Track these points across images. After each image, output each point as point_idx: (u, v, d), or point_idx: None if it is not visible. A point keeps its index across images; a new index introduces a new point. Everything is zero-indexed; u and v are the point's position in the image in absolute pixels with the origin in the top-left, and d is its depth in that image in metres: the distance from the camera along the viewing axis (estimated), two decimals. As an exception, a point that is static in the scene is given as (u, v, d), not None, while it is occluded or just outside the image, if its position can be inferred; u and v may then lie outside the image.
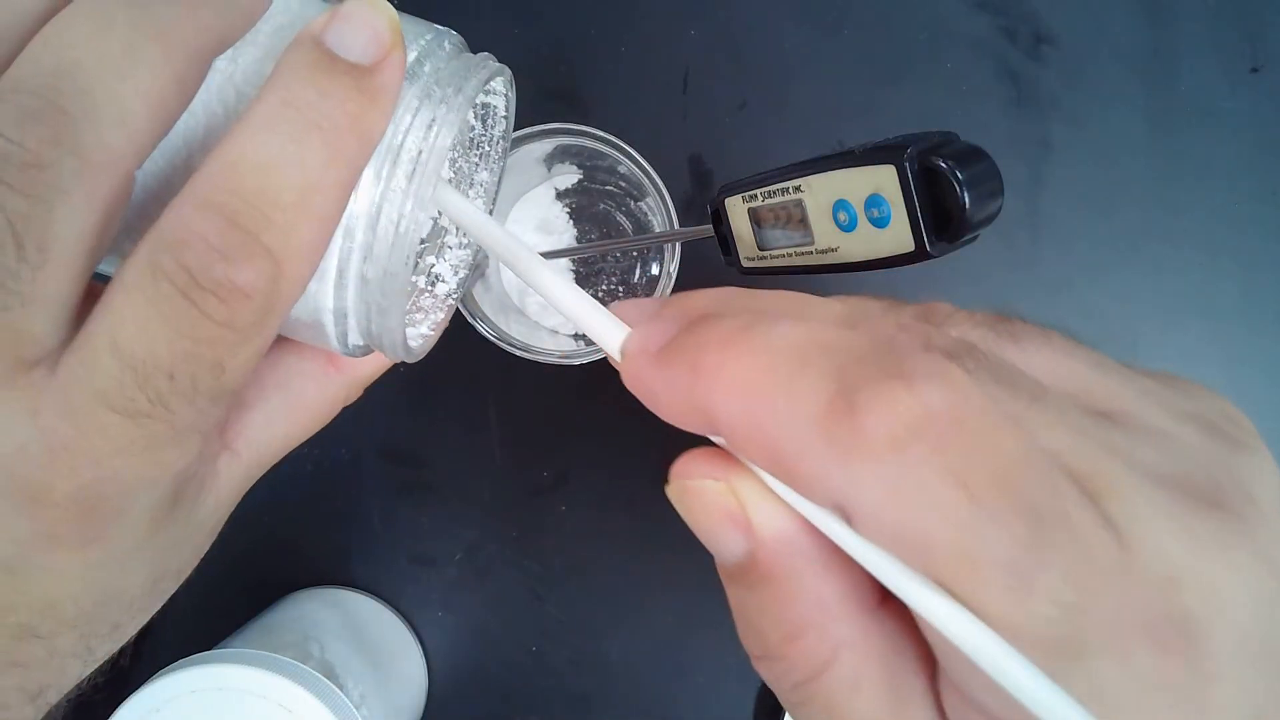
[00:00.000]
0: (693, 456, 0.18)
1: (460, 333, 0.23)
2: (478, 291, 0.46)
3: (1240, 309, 0.50)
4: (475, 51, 0.24)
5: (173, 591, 0.25)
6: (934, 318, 0.19)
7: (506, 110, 0.25)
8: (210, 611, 0.48)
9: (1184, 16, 0.50)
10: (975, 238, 0.22)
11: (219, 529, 0.26)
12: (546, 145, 0.46)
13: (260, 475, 0.26)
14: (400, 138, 0.21)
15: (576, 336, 0.50)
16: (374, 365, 0.28)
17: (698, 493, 0.18)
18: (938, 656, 0.16)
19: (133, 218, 0.21)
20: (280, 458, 0.27)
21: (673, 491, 0.19)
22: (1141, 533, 0.14)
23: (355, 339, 0.23)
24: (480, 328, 0.44)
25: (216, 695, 0.40)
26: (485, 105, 0.27)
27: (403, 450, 0.52)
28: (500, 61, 0.24)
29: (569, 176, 0.50)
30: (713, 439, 0.18)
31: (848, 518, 0.16)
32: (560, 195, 0.51)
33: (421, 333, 0.28)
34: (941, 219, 0.21)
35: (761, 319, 0.17)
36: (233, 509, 0.26)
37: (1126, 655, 0.14)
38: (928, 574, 0.15)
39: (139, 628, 0.24)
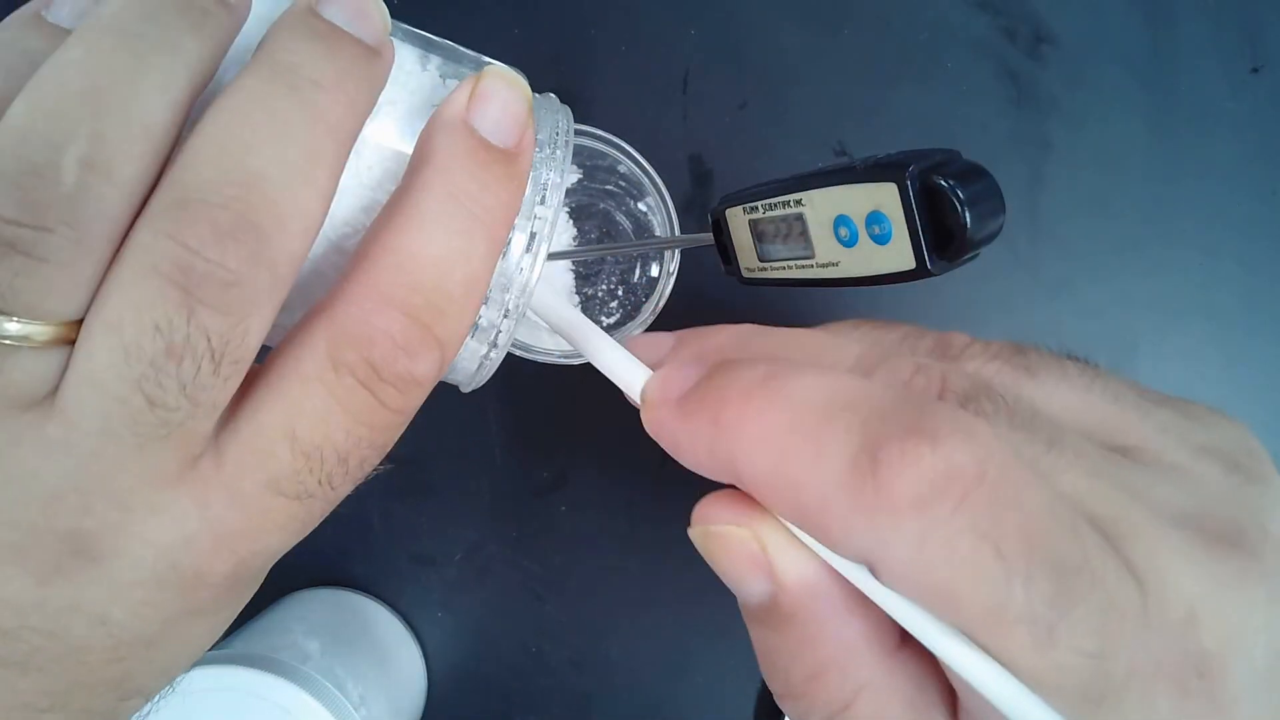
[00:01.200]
0: (715, 500, 0.19)
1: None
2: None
3: (1240, 309, 0.51)
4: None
5: None
6: (950, 351, 0.20)
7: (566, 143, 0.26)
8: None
9: (1184, 17, 0.50)
10: (976, 255, 0.22)
11: None
12: (546, 146, 0.46)
13: None
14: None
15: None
16: None
17: (721, 538, 0.18)
18: (962, 700, 0.17)
19: None
20: None
21: (696, 535, 0.19)
22: (1160, 576, 0.15)
23: None
24: (480, 330, 0.44)
25: (215, 696, 0.40)
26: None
27: (402, 450, 0.52)
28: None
29: (569, 176, 0.50)
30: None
31: (875, 571, 0.16)
32: (560, 195, 0.51)
33: None
34: (943, 237, 0.21)
35: (782, 370, 0.17)
36: None
37: (1149, 699, 0.14)
38: (955, 626, 0.15)
39: None
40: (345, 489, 0.21)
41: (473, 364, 0.23)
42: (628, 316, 0.48)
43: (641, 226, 0.50)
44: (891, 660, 0.18)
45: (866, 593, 0.16)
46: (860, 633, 0.18)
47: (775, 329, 0.21)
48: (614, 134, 0.45)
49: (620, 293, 0.50)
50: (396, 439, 0.21)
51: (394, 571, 0.52)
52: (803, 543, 0.18)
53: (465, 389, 0.24)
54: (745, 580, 0.18)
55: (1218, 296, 0.51)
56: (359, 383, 0.19)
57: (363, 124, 0.20)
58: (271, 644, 0.45)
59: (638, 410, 0.20)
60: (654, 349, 0.22)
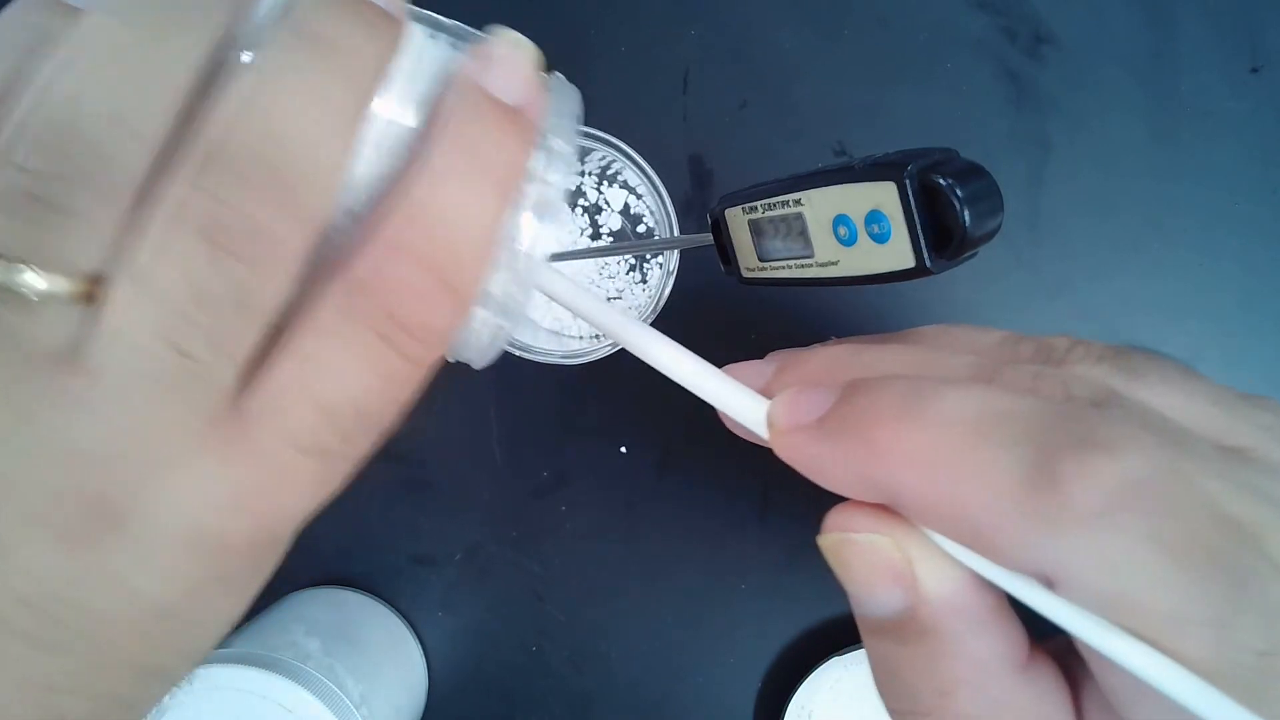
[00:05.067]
0: (850, 510, 0.19)
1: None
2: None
3: (1240, 310, 0.51)
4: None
5: None
6: (1054, 355, 0.20)
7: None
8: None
9: (1184, 17, 0.50)
10: (975, 254, 0.22)
11: None
12: (546, 146, 0.46)
13: None
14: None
15: (577, 336, 0.50)
16: None
17: (859, 546, 0.19)
18: (1121, 710, 0.17)
19: None
20: None
21: (830, 543, 0.19)
22: None
23: None
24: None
25: (216, 694, 0.40)
26: None
27: (403, 450, 0.52)
28: None
29: (572, 178, 0.50)
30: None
31: (1050, 583, 0.16)
32: (560, 195, 0.51)
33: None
34: (942, 236, 0.21)
35: (925, 387, 0.18)
36: None
37: None
38: (1135, 631, 0.15)
39: None
40: (364, 446, 0.21)
41: (485, 336, 0.23)
42: (628, 316, 0.48)
43: (641, 227, 0.50)
44: (1021, 676, 0.18)
45: (1033, 604, 0.17)
46: (994, 649, 0.18)
47: (871, 344, 0.21)
48: (614, 134, 0.45)
49: (619, 292, 0.50)
50: (413, 394, 0.21)
51: (394, 571, 0.52)
52: (948, 556, 0.18)
53: (477, 365, 0.25)
54: (879, 591, 0.18)
55: (1218, 297, 0.51)
56: (376, 334, 0.19)
57: (379, 84, 0.20)
58: (272, 643, 0.45)
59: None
60: (754, 375, 0.22)
